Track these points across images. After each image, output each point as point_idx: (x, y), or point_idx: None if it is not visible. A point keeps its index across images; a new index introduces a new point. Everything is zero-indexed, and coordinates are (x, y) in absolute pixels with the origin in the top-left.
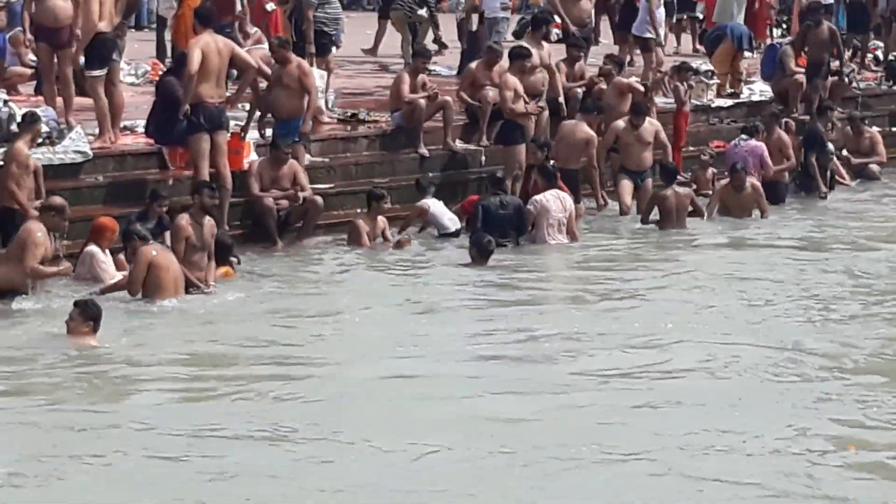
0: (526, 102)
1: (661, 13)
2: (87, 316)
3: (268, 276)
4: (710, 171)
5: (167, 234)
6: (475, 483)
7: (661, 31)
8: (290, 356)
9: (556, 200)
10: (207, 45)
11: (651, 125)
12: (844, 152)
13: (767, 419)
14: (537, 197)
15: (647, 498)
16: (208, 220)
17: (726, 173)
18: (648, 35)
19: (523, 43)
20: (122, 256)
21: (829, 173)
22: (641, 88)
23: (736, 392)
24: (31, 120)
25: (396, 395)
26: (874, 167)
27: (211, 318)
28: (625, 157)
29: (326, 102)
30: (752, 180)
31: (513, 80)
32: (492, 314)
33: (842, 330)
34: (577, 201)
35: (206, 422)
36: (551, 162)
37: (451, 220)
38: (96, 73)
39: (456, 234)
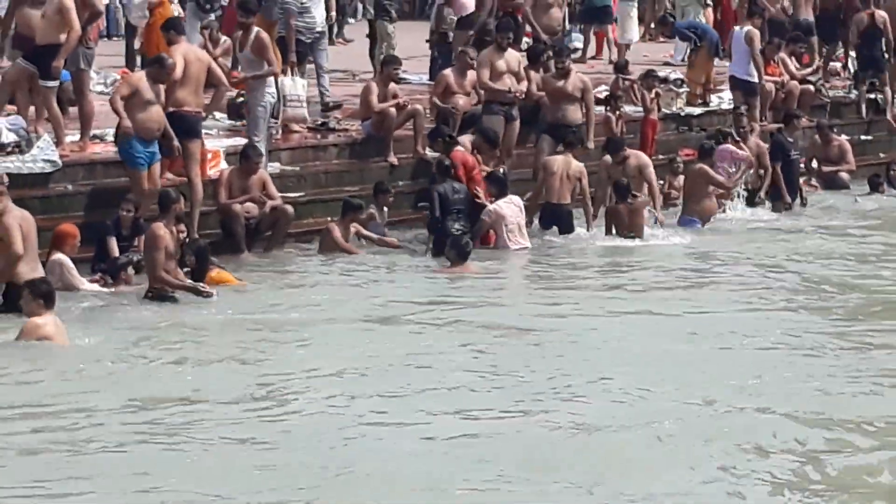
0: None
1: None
2: (36, 293)
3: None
4: (681, 178)
5: (140, 240)
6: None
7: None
8: (256, 369)
9: (509, 206)
10: (187, 54)
11: (637, 159)
12: (813, 163)
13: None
14: (490, 206)
15: None
16: (178, 228)
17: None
18: (753, 80)
19: (468, 49)
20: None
21: (798, 182)
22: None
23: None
24: None
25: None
26: (844, 175)
27: (172, 327)
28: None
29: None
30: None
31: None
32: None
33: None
34: (570, 231)
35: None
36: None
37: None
38: (51, 84)
39: None
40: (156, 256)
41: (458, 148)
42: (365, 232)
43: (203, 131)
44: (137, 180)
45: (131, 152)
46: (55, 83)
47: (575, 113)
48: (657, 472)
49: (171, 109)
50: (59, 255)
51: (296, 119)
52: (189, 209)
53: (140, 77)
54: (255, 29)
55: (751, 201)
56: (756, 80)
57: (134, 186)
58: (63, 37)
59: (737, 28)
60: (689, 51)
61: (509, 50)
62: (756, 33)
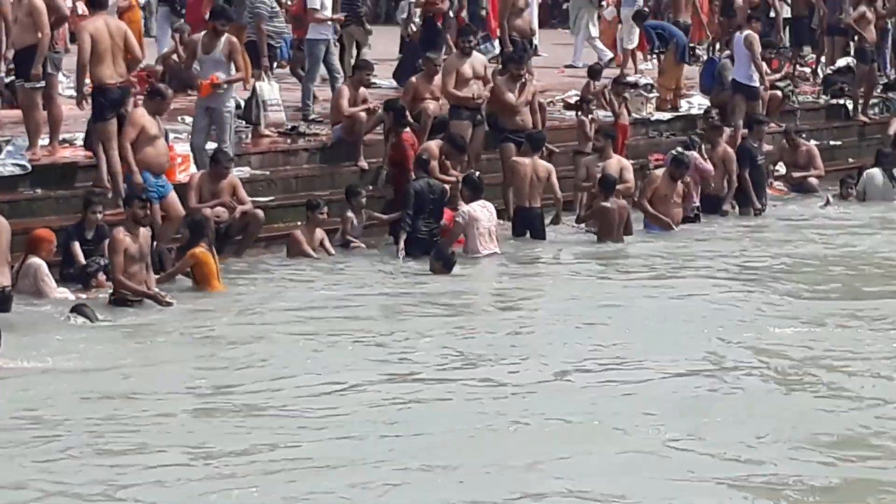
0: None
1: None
2: None
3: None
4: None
5: (105, 244)
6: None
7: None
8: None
9: (482, 210)
10: (98, 29)
11: (618, 163)
12: (780, 166)
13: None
14: (464, 207)
15: None
16: (144, 231)
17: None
18: (754, 84)
19: (432, 55)
20: None
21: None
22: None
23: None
24: None
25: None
26: (813, 181)
27: (139, 334)
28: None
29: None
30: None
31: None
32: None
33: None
34: (542, 236)
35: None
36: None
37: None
38: (37, 85)
39: None
40: (115, 260)
41: (407, 130)
42: (327, 243)
43: (172, 136)
44: (170, 204)
45: (147, 188)
46: (40, 84)
47: (529, 117)
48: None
49: (94, 84)
50: (34, 259)
51: (276, 123)
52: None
53: (141, 114)
54: (224, 36)
55: (716, 209)
56: (757, 84)
57: (169, 211)
58: (38, 37)
59: (737, 33)
60: (657, 55)
61: (474, 54)
62: (755, 37)
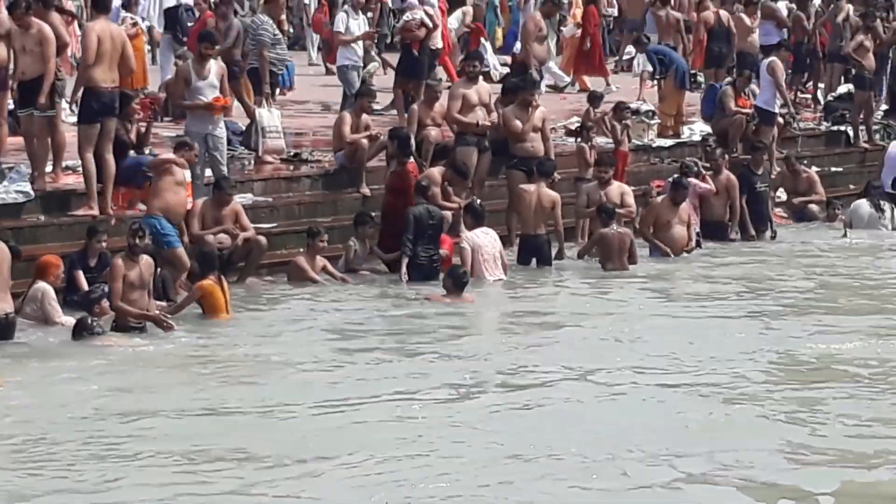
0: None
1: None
2: None
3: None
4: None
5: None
6: None
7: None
8: (225, 402)
9: (485, 236)
10: (103, 31)
11: (619, 189)
12: (781, 192)
13: None
14: (467, 234)
15: None
16: (145, 259)
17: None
18: (773, 110)
19: (433, 82)
20: None
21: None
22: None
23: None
24: None
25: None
26: (814, 207)
27: (140, 361)
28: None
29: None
30: None
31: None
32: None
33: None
34: (548, 263)
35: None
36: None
37: None
38: (48, 113)
39: None
40: (114, 286)
41: (411, 160)
42: (330, 268)
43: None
44: (178, 257)
45: (164, 233)
46: (52, 112)
47: (541, 144)
48: None
49: (85, 87)
50: (42, 284)
51: (275, 150)
52: (103, 185)
53: (172, 159)
54: (213, 61)
55: (718, 234)
56: (776, 110)
57: (175, 263)
58: (47, 67)
59: (763, 60)
60: (657, 80)
61: (480, 81)
62: (778, 63)
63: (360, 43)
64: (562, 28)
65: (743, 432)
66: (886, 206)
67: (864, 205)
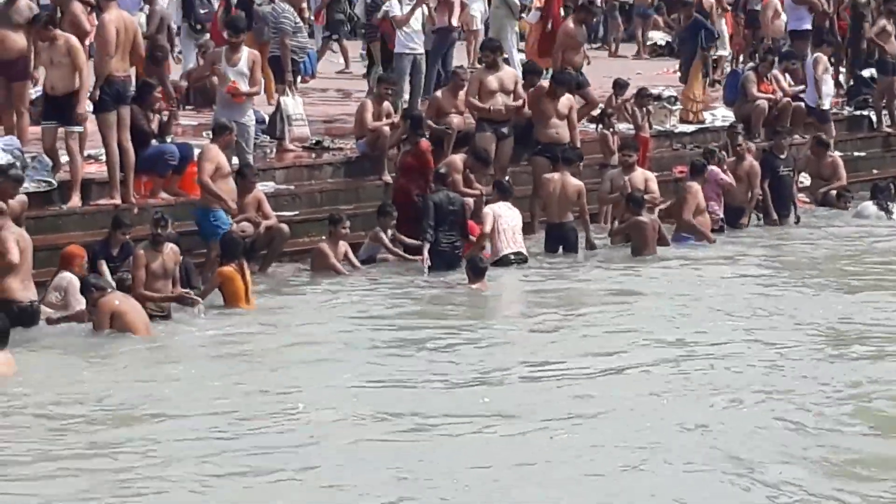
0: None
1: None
2: None
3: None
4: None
5: (130, 261)
6: None
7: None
8: (252, 393)
9: (507, 209)
10: (118, 20)
11: (643, 175)
12: (804, 177)
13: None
14: (488, 207)
15: None
16: (170, 248)
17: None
18: (825, 107)
19: (459, 70)
20: None
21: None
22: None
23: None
24: None
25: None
26: (835, 194)
27: (166, 352)
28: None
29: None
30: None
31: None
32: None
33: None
34: (574, 250)
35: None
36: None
37: None
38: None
39: None
40: (136, 275)
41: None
42: (351, 255)
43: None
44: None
45: (216, 224)
46: (80, 128)
47: (566, 131)
48: None
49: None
50: (68, 274)
51: (301, 138)
52: (124, 174)
53: (216, 150)
54: (246, 49)
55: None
56: (827, 107)
57: (209, 253)
58: (77, 80)
59: (809, 57)
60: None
61: (505, 68)
62: (822, 58)
63: (420, 28)
64: (523, 15)
65: None
66: (894, 207)
67: (870, 206)
